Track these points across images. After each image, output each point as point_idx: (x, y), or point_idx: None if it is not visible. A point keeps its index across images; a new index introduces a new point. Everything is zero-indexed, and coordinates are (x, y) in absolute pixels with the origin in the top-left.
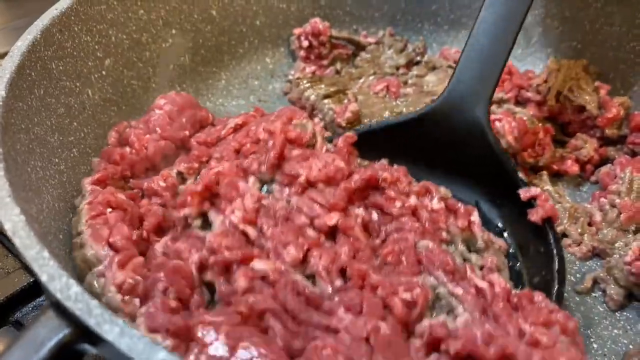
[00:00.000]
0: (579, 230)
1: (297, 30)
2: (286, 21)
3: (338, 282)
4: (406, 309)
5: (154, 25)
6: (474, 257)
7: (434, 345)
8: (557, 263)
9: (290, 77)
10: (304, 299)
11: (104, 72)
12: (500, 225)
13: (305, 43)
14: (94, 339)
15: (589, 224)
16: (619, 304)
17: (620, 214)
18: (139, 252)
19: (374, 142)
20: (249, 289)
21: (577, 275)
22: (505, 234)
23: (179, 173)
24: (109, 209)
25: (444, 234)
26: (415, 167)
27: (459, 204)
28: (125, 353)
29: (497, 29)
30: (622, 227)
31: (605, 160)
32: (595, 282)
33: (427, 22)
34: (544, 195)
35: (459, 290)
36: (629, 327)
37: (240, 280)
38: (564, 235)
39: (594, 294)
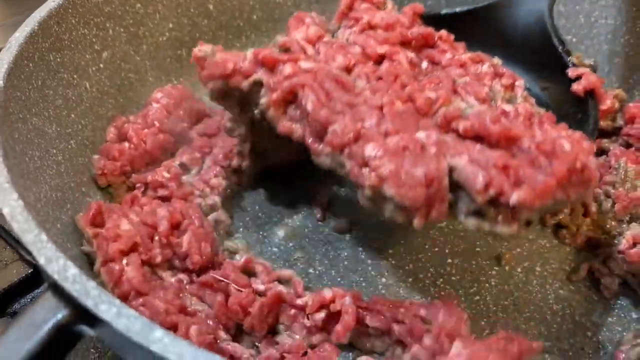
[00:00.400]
0: (575, 221)
1: None
2: (283, 16)
3: (374, 82)
4: (427, 103)
5: (151, 19)
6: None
7: (444, 126)
8: (592, 124)
9: None
10: (340, 85)
11: (101, 65)
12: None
13: None
14: (92, 320)
15: (584, 215)
16: (614, 292)
17: (615, 204)
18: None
19: (437, 25)
20: (293, 74)
21: (572, 264)
22: None
23: (182, 164)
24: (124, 260)
25: (486, 89)
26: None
27: (508, 71)
28: (122, 333)
29: None
30: (616, 217)
31: (600, 152)
32: (591, 271)
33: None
34: (590, 74)
35: (484, 108)
36: (622, 315)
37: (286, 68)
38: (560, 226)
39: (588, 283)
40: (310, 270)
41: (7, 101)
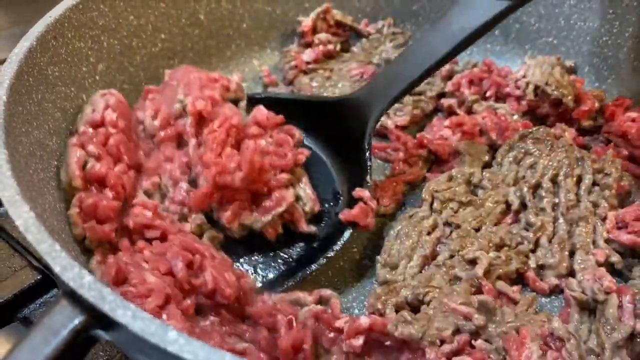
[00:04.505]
0: None
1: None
2: (272, 24)
3: None
4: None
5: (144, 31)
6: None
7: None
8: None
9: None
10: None
11: (97, 77)
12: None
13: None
14: (107, 324)
15: None
16: None
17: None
18: None
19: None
20: None
21: None
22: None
23: (146, 192)
24: (164, 315)
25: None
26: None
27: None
28: (138, 334)
29: (413, 60)
30: None
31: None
32: None
33: (409, 22)
34: (368, 201)
35: None
36: None
37: None
38: None
39: None
40: (307, 271)
41: (11, 116)
